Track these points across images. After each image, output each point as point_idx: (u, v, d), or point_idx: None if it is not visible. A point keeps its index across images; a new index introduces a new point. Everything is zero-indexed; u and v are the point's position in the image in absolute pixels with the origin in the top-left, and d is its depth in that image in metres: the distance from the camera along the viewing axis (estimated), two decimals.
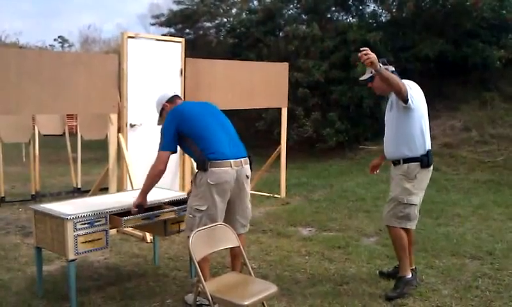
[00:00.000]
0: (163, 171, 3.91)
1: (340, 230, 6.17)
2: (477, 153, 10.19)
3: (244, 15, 15.25)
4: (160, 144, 3.93)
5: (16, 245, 5.60)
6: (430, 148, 4.27)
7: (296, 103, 11.68)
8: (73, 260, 3.78)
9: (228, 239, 3.63)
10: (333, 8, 13.85)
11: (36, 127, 7.99)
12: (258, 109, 11.61)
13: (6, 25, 65.43)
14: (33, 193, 7.89)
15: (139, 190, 4.08)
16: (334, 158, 11.54)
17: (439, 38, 11.52)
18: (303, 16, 14.27)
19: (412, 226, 4.33)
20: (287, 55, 11.98)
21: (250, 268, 3.64)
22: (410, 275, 4.29)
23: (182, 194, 4.61)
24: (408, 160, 4.22)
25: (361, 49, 3.94)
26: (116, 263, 5.08)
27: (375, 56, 3.89)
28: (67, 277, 3.88)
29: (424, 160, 4.21)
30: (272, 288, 3.38)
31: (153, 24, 17.17)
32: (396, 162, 4.31)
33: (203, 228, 3.60)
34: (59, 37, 32.89)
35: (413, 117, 4.19)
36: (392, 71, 4.20)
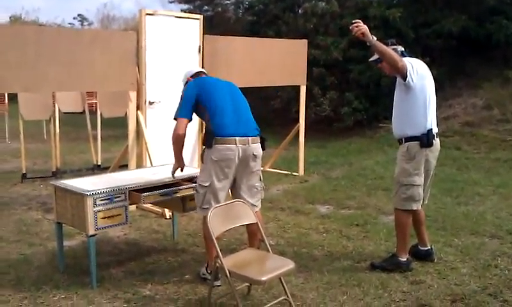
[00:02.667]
0: (183, 136, 3.94)
1: (358, 208, 6.16)
2: (499, 132, 10.03)
3: None
4: (177, 111, 3.97)
5: (38, 220, 5.69)
6: (432, 127, 4.17)
7: (313, 82, 11.58)
8: (93, 235, 3.84)
9: (246, 216, 3.65)
10: None
11: (56, 105, 8.06)
12: (275, 88, 11.56)
13: (25, 2, 65.83)
14: (54, 170, 7.99)
15: (160, 166, 4.11)
16: (353, 137, 11.47)
17: (461, 15, 11.30)
18: None
19: (418, 206, 4.27)
20: (306, 33, 11.86)
21: (268, 245, 3.65)
22: (404, 259, 4.26)
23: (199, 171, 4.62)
24: (408, 139, 4.19)
25: (353, 21, 3.96)
26: (135, 238, 5.15)
27: (366, 28, 3.91)
28: (87, 252, 3.94)
29: (423, 139, 4.14)
30: (290, 265, 3.40)
31: (171, 1, 17.12)
32: (400, 141, 4.29)
33: (221, 204, 3.62)
34: (78, 15, 33.03)
35: (414, 95, 4.14)
36: (402, 52, 4.21)
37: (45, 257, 4.58)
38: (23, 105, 7.64)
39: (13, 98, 11.64)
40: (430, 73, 4.27)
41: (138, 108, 6.07)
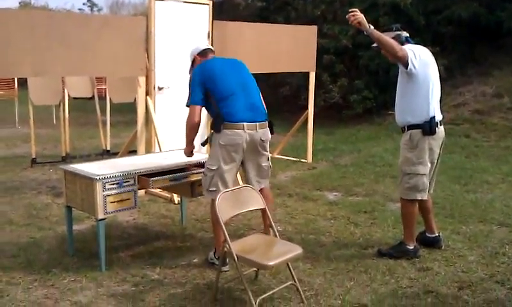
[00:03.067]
0: (198, 123, 4.00)
1: (366, 195, 6.16)
2: (509, 120, 9.95)
3: None
4: (188, 98, 4.02)
5: (47, 204, 5.75)
6: (435, 115, 4.14)
7: (322, 69, 11.53)
8: (102, 219, 3.87)
9: (254, 201, 3.66)
10: None
11: (66, 90, 8.08)
12: (284, 74, 11.52)
13: None
14: (63, 155, 8.04)
15: (170, 152, 4.16)
16: (362, 124, 11.43)
17: (472, 1, 11.18)
18: None
19: (423, 196, 4.23)
20: (314, 19, 11.80)
21: (276, 231, 3.68)
22: (412, 247, 4.27)
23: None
24: (411, 127, 4.17)
25: (349, 10, 4.02)
26: (144, 223, 5.18)
27: (363, 17, 3.97)
28: (97, 236, 3.98)
29: (426, 127, 4.10)
30: (297, 250, 3.42)
31: None
32: (402, 129, 4.27)
33: (229, 189, 3.64)
34: (88, 1, 32.96)
35: (416, 82, 4.11)
36: (406, 38, 4.22)
37: (54, 241, 4.63)
38: (32, 91, 7.67)
39: (22, 83, 11.67)
40: (434, 61, 4.25)
41: (147, 93, 6.08)
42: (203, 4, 6.61)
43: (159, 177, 4.08)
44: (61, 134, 8.11)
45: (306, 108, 8.17)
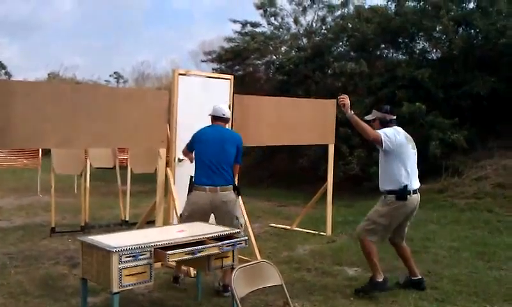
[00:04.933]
0: (184, 154, 5.60)
1: (387, 271, 5.97)
2: None
3: (293, 53, 15.40)
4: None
5: (64, 275, 5.72)
6: (407, 184, 5.01)
7: (341, 140, 11.58)
8: (117, 293, 3.82)
9: (271, 277, 3.60)
10: (383, 45, 13.81)
11: (88, 160, 8.20)
12: (303, 146, 11.60)
13: (65, 60, 68.49)
14: (82, 224, 8.07)
15: (187, 224, 4.93)
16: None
17: (491, 76, 11.27)
18: (352, 53, 14.29)
19: (374, 240, 5.12)
20: (335, 92, 11.97)
21: None
22: (380, 279, 5.06)
23: (225, 229, 4.61)
24: (388, 192, 5.09)
25: (340, 93, 5.26)
26: (159, 297, 5.11)
27: (348, 103, 5.05)
28: None
29: (398, 193, 5.00)
30: None
31: (204, 61, 17.56)
32: (382, 193, 5.17)
33: (246, 264, 3.59)
34: (114, 73, 34.06)
35: (391, 158, 5.07)
36: (391, 119, 5.20)
37: None
38: (56, 160, 7.81)
39: (46, 152, 11.94)
40: (411, 139, 5.23)
41: (167, 165, 6.14)
42: (225, 78, 6.76)
43: (175, 250, 4.04)
44: (81, 203, 8.17)
45: (325, 180, 8.15)
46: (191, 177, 5.27)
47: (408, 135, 5.24)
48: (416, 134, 11.13)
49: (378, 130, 5.09)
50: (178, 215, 5.46)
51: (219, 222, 5.11)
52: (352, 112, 5.02)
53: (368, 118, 5.32)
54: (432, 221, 8.86)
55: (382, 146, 5.01)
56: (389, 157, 5.08)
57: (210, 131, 5.32)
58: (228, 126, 5.61)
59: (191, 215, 5.12)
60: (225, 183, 5.15)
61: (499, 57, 11.44)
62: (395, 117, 5.29)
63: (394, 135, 5.07)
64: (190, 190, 5.24)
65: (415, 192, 5.11)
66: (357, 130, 5.10)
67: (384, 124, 5.20)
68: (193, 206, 5.15)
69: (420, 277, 5.30)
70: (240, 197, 5.46)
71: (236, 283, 3.33)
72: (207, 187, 5.09)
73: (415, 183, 5.14)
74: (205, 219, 5.11)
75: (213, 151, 5.15)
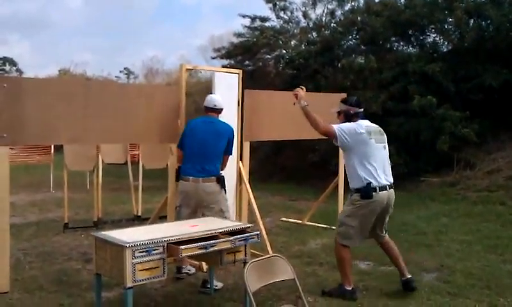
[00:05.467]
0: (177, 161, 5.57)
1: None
2: None
3: (302, 47, 15.34)
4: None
5: (78, 270, 5.77)
6: (371, 181, 4.72)
7: None
8: (130, 288, 3.85)
9: (283, 271, 3.61)
10: (393, 38, 13.73)
11: (100, 156, 8.25)
12: (313, 140, 11.59)
13: (76, 57, 68.72)
14: (95, 220, 8.13)
15: (199, 219, 4.96)
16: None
17: (503, 68, 11.18)
18: (362, 46, 14.22)
19: (350, 244, 4.91)
20: (345, 86, 11.94)
21: (305, 302, 3.59)
22: (349, 288, 4.86)
23: (238, 224, 4.63)
24: (354, 190, 4.85)
25: (296, 88, 5.16)
26: (172, 291, 5.14)
27: (302, 95, 5.03)
28: (124, 305, 3.94)
29: (362, 192, 4.74)
30: None
31: (214, 57, 17.55)
32: (350, 191, 4.95)
33: (258, 259, 3.60)
34: (124, 69, 34.18)
35: (351, 154, 4.86)
36: (355, 113, 4.97)
37: None
38: (68, 156, 7.87)
39: (58, 148, 12.02)
40: (379, 132, 4.96)
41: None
42: (233, 73, 6.75)
43: (188, 245, 4.06)
44: (93, 199, 8.22)
45: (336, 174, 8.14)
46: (179, 167, 5.43)
47: (377, 129, 4.99)
48: (428, 127, 11.17)
49: (334, 124, 4.92)
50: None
51: (202, 210, 5.27)
52: (306, 104, 4.96)
53: (333, 110, 5.18)
54: (444, 214, 8.83)
55: (336, 140, 4.87)
56: (349, 154, 4.88)
57: (201, 123, 5.45)
58: (234, 119, 5.71)
59: (184, 204, 5.32)
60: (208, 175, 5.24)
61: (510, 48, 11.33)
62: (361, 110, 5.04)
63: (354, 130, 4.84)
64: (177, 180, 5.47)
65: (383, 188, 4.79)
66: (309, 122, 4.99)
67: (349, 117, 4.99)
68: (183, 196, 5.33)
69: (409, 277, 5.03)
70: (224, 189, 5.39)
71: (249, 278, 3.34)
72: (190, 177, 5.23)
73: (384, 180, 4.82)
74: (192, 210, 5.30)
75: (201, 142, 5.28)
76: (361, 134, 4.81)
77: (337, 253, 4.98)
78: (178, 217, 5.37)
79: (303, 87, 5.14)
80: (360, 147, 4.80)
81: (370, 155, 4.79)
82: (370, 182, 4.72)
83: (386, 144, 5.03)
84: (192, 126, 5.44)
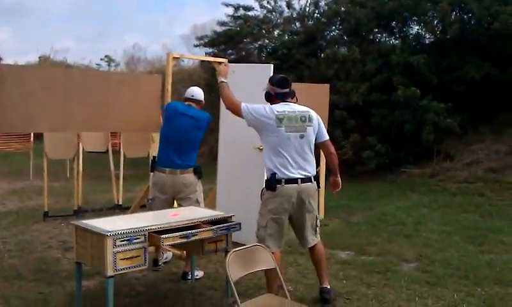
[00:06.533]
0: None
1: (379, 254, 6.06)
2: None
3: (286, 37, 15.31)
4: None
5: (58, 259, 5.73)
6: (276, 172, 4.25)
7: (335, 125, 11.59)
8: (111, 277, 3.83)
9: (265, 260, 3.62)
10: (376, 30, 13.77)
11: (80, 144, 8.17)
12: None
13: (58, 44, 67.76)
14: (76, 208, 8.07)
15: (180, 208, 4.90)
16: (374, 181, 11.39)
17: (484, 61, 11.30)
18: (345, 37, 14.24)
19: (271, 248, 4.18)
20: (328, 77, 11.96)
21: (286, 291, 3.61)
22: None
23: (219, 213, 4.62)
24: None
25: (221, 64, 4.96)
26: (153, 280, 5.13)
27: (226, 70, 4.71)
28: (105, 294, 3.93)
29: (267, 183, 4.33)
30: None
31: (196, 46, 17.42)
32: None
33: (240, 248, 3.61)
34: (105, 56, 33.71)
35: (261, 138, 4.42)
36: (277, 94, 4.43)
37: (63, 297, 4.60)
38: (48, 144, 7.78)
39: (38, 136, 11.87)
40: (300, 120, 4.35)
41: None
42: (219, 62, 6.72)
43: (169, 234, 4.05)
44: (74, 188, 8.16)
45: (318, 164, 8.16)
46: (154, 157, 5.33)
47: (298, 116, 4.36)
48: (411, 119, 11.25)
49: (242, 104, 4.39)
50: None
51: (181, 203, 5.17)
52: (223, 80, 4.57)
53: (263, 89, 4.57)
54: (424, 205, 8.93)
55: (243, 118, 4.39)
56: (261, 139, 4.42)
57: (181, 112, 5.22)
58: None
59: (158, 197, 5.17)
60: (185, 166, 5.14)
61: (492, 42, 11.45)
62: (285, 90, 4.47)
63: (261, 113, 4.30)
64: (151, 171, 5.33)
65: (291, 181, 4.25)
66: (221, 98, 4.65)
67: (271, 99, 4.46)
68: (158, 188, 5.17)
69: (325, 286, 4.57)
70: (200, 180, 5.25)
71: (230, 267, 3.34)
72: (167, 168, 5.10)
73: (295, 172, 4.28)
74: (167, 202, 5.16)
75: (178, 133, 5.13)
76: (268, 119, 4.28)
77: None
78: (151, 210, 5.09)
79: (226, 64, 5.09)
80: (268, 133, 4.30)
81: (279, 143, 4.26)
82: (275, 173, 4.25)
83: (311, 132, 4.43)
84: (173, 114, 5.23)
